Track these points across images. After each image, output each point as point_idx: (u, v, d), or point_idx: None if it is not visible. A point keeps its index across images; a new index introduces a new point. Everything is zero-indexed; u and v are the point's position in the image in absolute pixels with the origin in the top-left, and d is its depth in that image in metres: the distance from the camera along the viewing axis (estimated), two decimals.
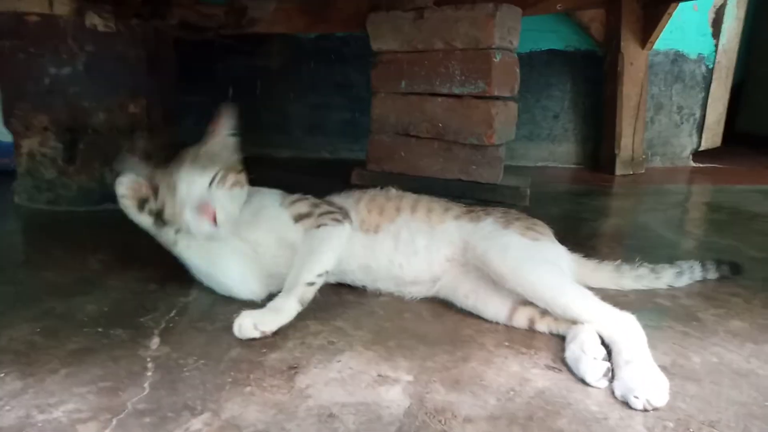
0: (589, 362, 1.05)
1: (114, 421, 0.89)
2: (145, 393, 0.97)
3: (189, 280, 1.41)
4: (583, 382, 1.04)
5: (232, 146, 1.37)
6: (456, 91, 2.36)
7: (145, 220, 1.32)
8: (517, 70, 2.42)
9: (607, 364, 1.05)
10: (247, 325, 1.16)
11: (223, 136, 1.35)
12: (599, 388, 1.02)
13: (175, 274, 1.39)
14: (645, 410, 0.96)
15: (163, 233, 1.33)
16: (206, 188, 1.26)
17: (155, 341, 1.16)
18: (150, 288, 1.44)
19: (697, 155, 3.98)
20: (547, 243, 1.37)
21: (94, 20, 2.02)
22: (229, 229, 1.31)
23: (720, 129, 4.16)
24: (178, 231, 1.31)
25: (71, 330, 1.19)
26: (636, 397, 0.96)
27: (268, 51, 3.78)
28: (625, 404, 0.98)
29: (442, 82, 2.40)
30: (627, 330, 1.12)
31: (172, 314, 1.29)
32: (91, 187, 2.15)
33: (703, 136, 3.95)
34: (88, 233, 1.96)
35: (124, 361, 1.08)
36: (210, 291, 1.40)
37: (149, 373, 1.03)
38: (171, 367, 1.06)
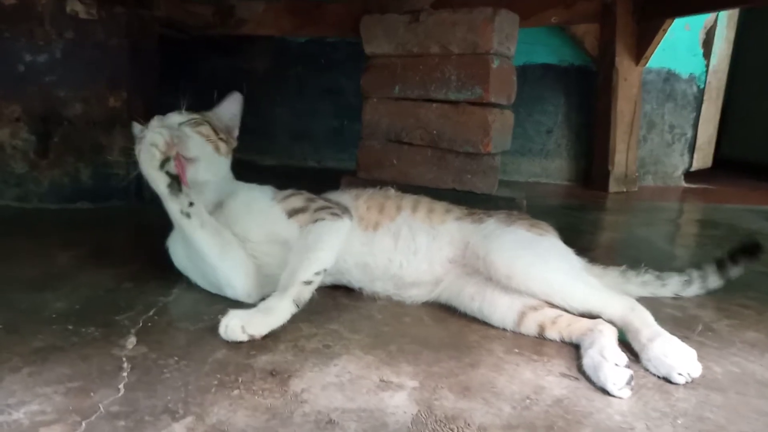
0: (611, 369, 0.97)
1: (83, 425, 0.78)
2: (119, 395, 0.86)
3: (169, 279, 1.30)
4: (603, 390, 0.96)
5: (229, 122, 1.39)
6: (452, 97, 2.29)
7: (160, 180, 1.16)
8: (514, 78, 2.37)
9: (630, 372, 0.97)
10: (235, 326, 1.05)
11: (225, 113, 1.39)
12: (621, 398, 0.94)
13: (154, 272, 1.28)
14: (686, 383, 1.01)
15: (175, 201, 1.18)
16: (176, 124, 1.24)
17: (131, 340, 1.05)
18: (126, 286, 1.33)
19: (689, 175, 3.98)
20: (554, 239, 1.32)
21: (76, 6, 1.92)
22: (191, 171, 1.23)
23: (711, 150, 4.16)
24: (192, 204, 1.19)
25: (36, 326, 1.08)
26: (680, 374, 1.00)
27: (255, 53, 3.69)
28: (649, 415, 0.90)
29: (438, 88, 2.32)
30: (636, 309, 1.13)
31: (150, 313, 1.18)
32: (64, 183, 2.01)
33: (695, 156, 3.95)
34: (59, 230, 1.83)
35: (96, 360, 0.96)
36: (193, 291, 1.29)
37: (124, 374, 0.93)
38: (149, 367, 0.95)
